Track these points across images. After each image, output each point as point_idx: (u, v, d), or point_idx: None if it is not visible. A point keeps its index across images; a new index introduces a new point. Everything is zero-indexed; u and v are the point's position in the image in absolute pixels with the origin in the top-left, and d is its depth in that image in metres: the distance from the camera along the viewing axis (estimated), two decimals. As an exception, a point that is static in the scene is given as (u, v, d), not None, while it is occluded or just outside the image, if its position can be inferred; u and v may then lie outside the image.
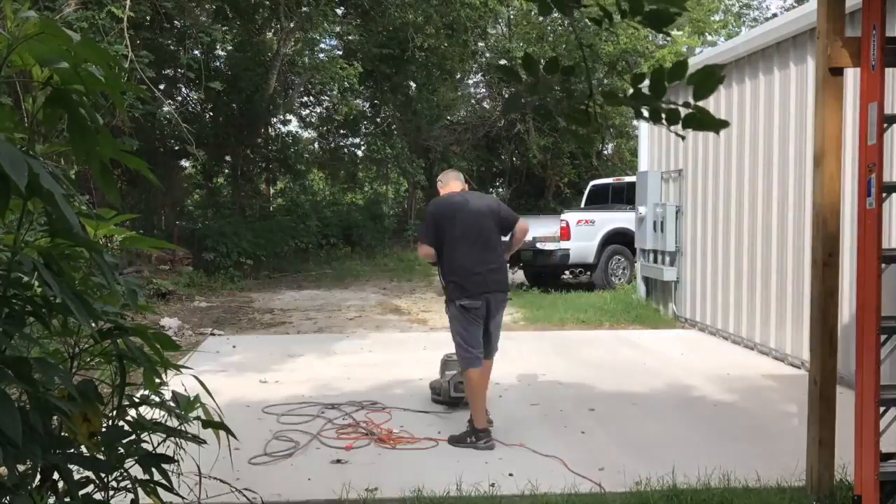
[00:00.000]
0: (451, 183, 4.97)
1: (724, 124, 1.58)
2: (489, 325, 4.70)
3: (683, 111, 1.55)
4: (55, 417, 1.81)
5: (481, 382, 4.62)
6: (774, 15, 26.36)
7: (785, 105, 6.75)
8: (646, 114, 1.58)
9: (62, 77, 1.64)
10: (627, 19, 1.51)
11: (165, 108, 12.62)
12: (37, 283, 1.75)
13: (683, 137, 1.65)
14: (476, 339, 4.61)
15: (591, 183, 15.28)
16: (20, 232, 1.74)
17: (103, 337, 1.90)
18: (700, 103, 1.57)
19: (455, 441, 4.52)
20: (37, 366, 1.66)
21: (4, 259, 1.74)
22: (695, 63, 7.48)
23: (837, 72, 3.58)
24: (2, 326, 1.61)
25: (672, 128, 1.57)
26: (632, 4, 1.49)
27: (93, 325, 1.76)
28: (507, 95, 22.66)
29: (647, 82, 1.59)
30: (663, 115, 1.56)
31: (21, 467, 1.68)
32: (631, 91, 1.58)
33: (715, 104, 8.04)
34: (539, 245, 12.12)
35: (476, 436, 4.48)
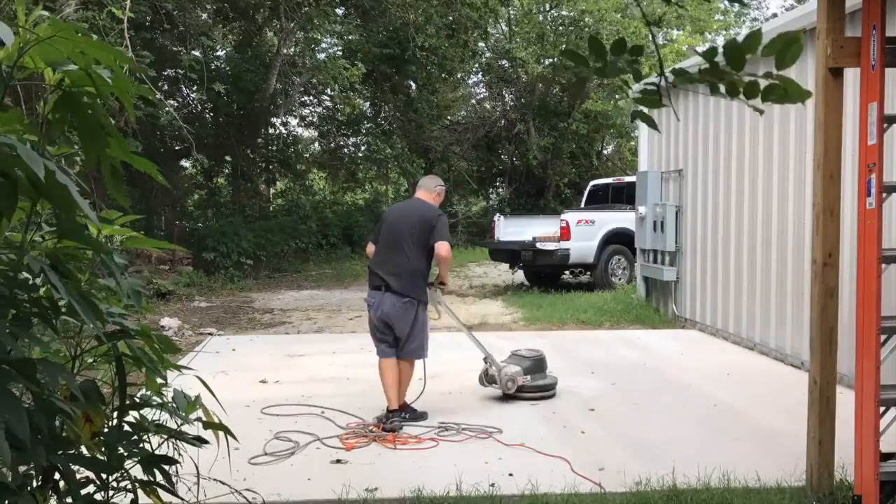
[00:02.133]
0: (418, 190, 5.35)
1: (808, 94, 1.50)
2: (392, 325, 4.97)
3: (763, 83, 1.48)
4: (57, 418, 1.81)
5: (382, 371, 5.04)
6: (774, 15, 26.37)
7: (784, 105, 6.74)
8: (722, 89, 1.52)
9: (72, 79, 1.64)
10: None
11: (166, 109, 12.61)
12: (41, 284, 1.75)
13: (762, 112, 1.59)
14: (371, 330, 5.11)
15: (591, 183, 15.29)
16: (27, 233, 1.74)
17: (108, 339, 1.91)
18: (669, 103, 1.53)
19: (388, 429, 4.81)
20: (40, 366, 1.66)
21: (6, 260, 1.74)
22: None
23: (837, 72, 3.59)
24: (8, 328, 1.62)
25: (751, 102, 1.52)
26: None
27: (101, 326, 1.76)
28: (514, 94, 22.55)
29: (720, 57, 1.54)
30: (741, 90, 1.50)
31: (22, 468, 1.68)
32: (702, 66, 1.52)
33: (715, 104, 8.05)
34: (539, 245, 12.13)
35: (387, 417, 4.92)
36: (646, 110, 1.68)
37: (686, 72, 1.54)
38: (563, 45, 21.82)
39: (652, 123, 1.64)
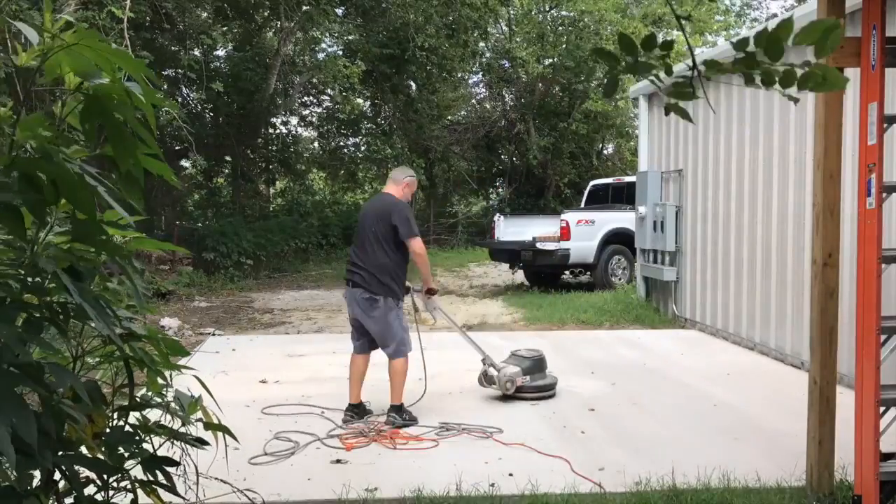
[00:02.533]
0: (388, 183, 5.32)
1: (846, 81, 1.48)
2: (360, 320, 5.01)
3: (799, 72, 1.47)
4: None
5: (352, 367, 5.13)
6: (774, 15, 26.35)
7: (785, 105, 6.75)
8: (757, 80, 1.51)
9: (101, 89, 1.64)
10: None
11: (165, 109, 12.60)
12: (52, 287, 1.74)
13: (797, 101, 1.56)
14: (351, 325, 5.15)
15: (591, 183, 15.29)
16: (40, 236, 1.74)
17: (122, 342, 1.91)
18: (684, 104, 1.52)
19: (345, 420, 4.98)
20: (48, 369, 1.66)
21: (20, 263, 1.74)
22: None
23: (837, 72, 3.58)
24: (19, 332, 1.61)
25: (786, 91, 1.50)
26: None
27: (117, 330, 1.76)
28: (514, 94, 22.49)
29: (752, 46, 1.52)
30: (777, 79, 1.47)
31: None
32: (737, 56, 1.51)
33: (714, 104, 8.05)
34: (539, 245, 12.13)
35: (349, 409, 5.05)
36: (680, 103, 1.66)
37: (719, 63, 1.52)
38: (564, 45, 21.84)
39: (686, 116, 1.62)
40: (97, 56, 1.62)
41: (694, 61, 1.51)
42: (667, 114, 1.65)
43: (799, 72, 1.46)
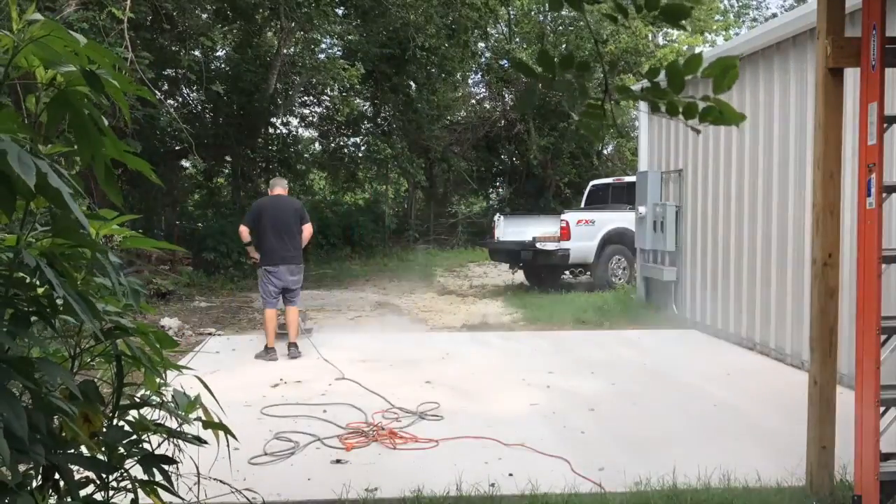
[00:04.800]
0: (276, 188, 7.48)
1: (742, 118, 1.57)
2: (287, 285, 7.20)
3: (702, 105, 1.53)
4: (55, 417, 1.81)
5: (273, 321, 7.24)
6: (774, 15, 26.37)
7: (785, 105, 6.75)
8: (663, 108, 1.56)
9: (67, 79, 1.65)
10: (643, 15, 1.50)
11: (166, 110, 12.61)
12: (38, 283, 1.75)
13: (699, 132, 1.63)
14: (273, 291, 7.20)
15: (591, 183, 15.28)
16: (23, 232, 1.74)
17: (105, 337, 1.91)
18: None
19: (256, 356, 7.06)
20: (39, 365, 1.66)
21: (5, 259, 1.74)
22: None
23: (837, 72, 3.59)
24: (6, 327, 1.62)
25: (690, 122, 1.56)
26: (647, 0, 1.48)
27: (98, 324, 1.76)
28: (514, 94, 22.60)
29: (662, 76, 1.58)
30: (681, 110, 1.55)
31: (22, 467, 1.68)
32: (644, 85, 1.57)
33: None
34: (539, 245, 12.13)
35: (266, 351, 7.06)
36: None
37: (630, 89, 1.61)
38: (564, 46, 21.82)
39: (596, 135, 1.71)
40: (65, 49, 1.62)
41: (606, 87, 1.58)
42: (577, 130, 1.74)
43: (701, 105, 1.54)
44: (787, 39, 6.70)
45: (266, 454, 4.33)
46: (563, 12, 23.01)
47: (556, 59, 1.57)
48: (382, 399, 5.52)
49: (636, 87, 1.70)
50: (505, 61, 22.79)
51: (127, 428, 2.05)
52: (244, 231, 7.26)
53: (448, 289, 13.70)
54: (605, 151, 25.58)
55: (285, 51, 15.65)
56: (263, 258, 7.18)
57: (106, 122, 1.74)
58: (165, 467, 2.02)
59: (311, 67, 15.50)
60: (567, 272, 13.47)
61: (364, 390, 5.80)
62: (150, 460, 2.00)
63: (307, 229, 7.26)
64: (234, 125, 17.41)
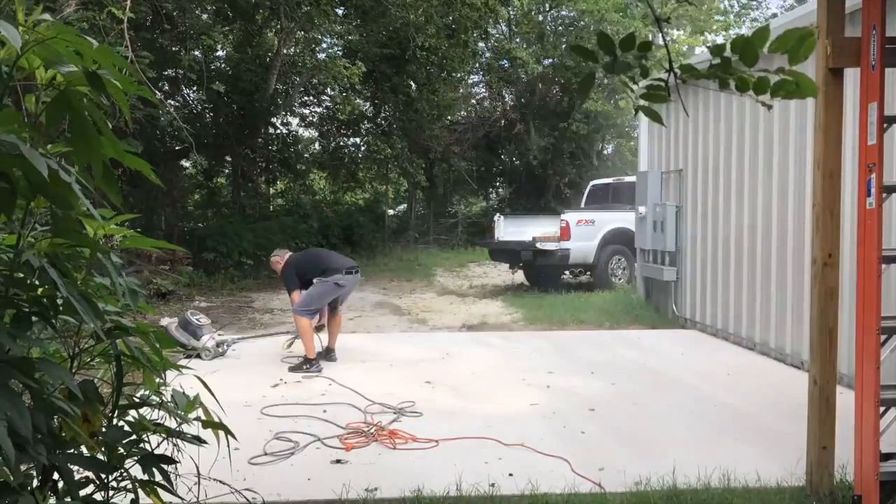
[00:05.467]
0: (285, 256, 7.54)
1: (817, 89, 1.53)
2: (347, 294, 7.44)
3: (774, 79, 1.49)
4: (55, 417, 1.81)
5: (332, 324, 7.32)
6: (774, 15, 26.38)
7: (785, 105, 6.75)
8: (732, 85, 1.52)
9: (67, 79, 1.65)
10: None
11: (167, 110, 12.61)
12: (38, 284, 1.75)
13: (770, 107, 1.57)
14: (324, 301, 7.15)
15: (591, 183, 15.28)
16: (24, 232, 1.74)
17: (105, 337, 1.91)
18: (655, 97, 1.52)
19: (291, 370, 6.66)
20: (39, 365, 1.66)
21: (5, 259, 1.74)
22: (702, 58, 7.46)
23: (837, 72, 3.59)
24: (7, 327, 1.62)
25: (760, 98, 1.51)
26: None
27: (99, 324, 1.76)
28: (515, 94, 22.49)
29: (728, 52, 1.52)
30: (751, 85, 1.49)
31: (23, 467, 1.68)
32: (713, 62, 1.51)
33: (714, 103, 8.05)
34: (539, 245, 12.13)
35: (311, 364, 6.66)
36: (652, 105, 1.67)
37: (695, 68, 1.53)
38: (564, 45, 21.83)
39: (657, 118, 1.64)
40: (68, 50, 1.62)
41: (671, 64, 1.53)
42: (636, 114, 1.68)
43: (773, 79, 1.48)
44: (787, 39, 6.69)
45: (266, 454, 4.33)
46: (564, 12, 23.03)
47: (616, 40, 1.53)
48: (381, 399, 5.52)
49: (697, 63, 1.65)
50: (505, 61, 22.80)
51: (127, 428, 2.05)
52: (295, 295, 7.02)
53: (448, 289, 13.70)
54: (605, 151, 25.58)
55: (285, 51, 15.65)
56: (330, 272, 6.95)
57: (107, 123, 1.74)
58: (165, 467, 2.02)
59: (311, 67, 15.50)
60: (567, 272, 13.47)
61: (364, 390, 5.79)
62: (150, 460, 2.00)
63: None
64: (234, 125, 17.41)
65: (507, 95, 24.10)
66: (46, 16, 1.65)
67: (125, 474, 2.01)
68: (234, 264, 14.69)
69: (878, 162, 3.31)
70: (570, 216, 12.43)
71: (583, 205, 14.73)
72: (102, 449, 1.94)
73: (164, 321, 8.85)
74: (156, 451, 2.08)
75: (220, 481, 2.82)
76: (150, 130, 13.60)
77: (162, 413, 2.21)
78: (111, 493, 2.03)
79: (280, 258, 7.48)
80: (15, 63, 1.60)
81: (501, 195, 25.71)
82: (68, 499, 1.81)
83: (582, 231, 12.21)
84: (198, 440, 2.13)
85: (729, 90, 1.51)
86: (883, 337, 3.46)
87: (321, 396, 5.68)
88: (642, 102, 1.61)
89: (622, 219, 12.29)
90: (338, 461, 4.23)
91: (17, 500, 1.55)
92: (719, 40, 23.89)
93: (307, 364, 6.63)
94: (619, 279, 12.37)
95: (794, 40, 1.43)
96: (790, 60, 1.47)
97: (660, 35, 23.01)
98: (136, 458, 2.00)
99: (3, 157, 1.44)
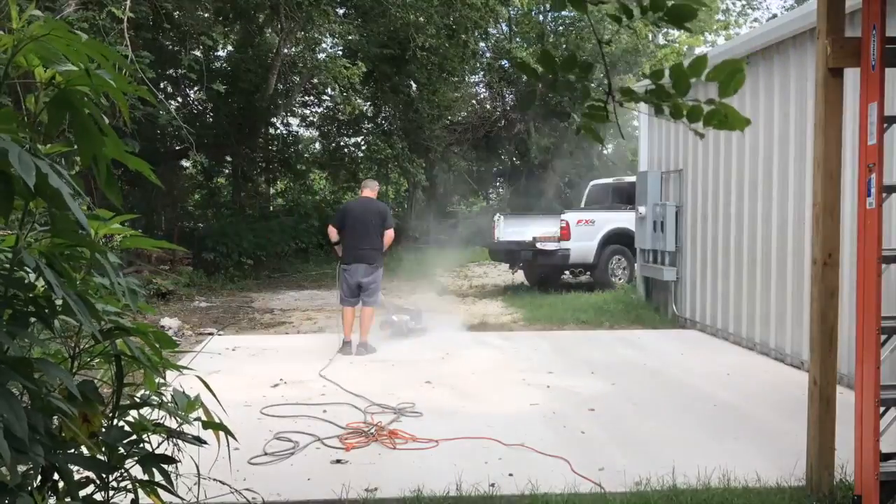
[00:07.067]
0: (365, 190, 7.82)
1: (747, 122, 1.52)
2: (360, 283, 7.45)
3: (706, 108, 1.50)
4: (54, 417, 1.81)
5: (347, 315, 7.56)
6: (775, 15, 26.37)
7: (785, 105, 6.75)
8: (666, 111, 1.54)
9: (68, 78, 1.64)
10: (648, 16, 1.47)
11: (167, 111, 12.61)
12: (39, 284, 1.75)
13: (702, 136, 1.60)
14: (347, 290, 7.54)
15: (591, 183, 15.28)
16: (22, 232, 1.74)
17: (104, 337, 1.91)
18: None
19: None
20: (38, 365, 1.66)
21: (4, 259, 1.74)
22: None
23: (837, 72, 3.59)
24: (6, 327, 1.61)
25: (693, 125, 1.52)
26: (653, 1, 1.45)
27: (95, 325, 1.76)
28: (515, 94, 22.61)
29: (666, 78, 1.55)
30: (685, 113, 1.52)
31: (22, 468, 1.68)
32: (649, 87, 1.54)
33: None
34: (539, 245, 12.13)
35: (343, 345, 7.32)
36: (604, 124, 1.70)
37: (633, 91, 1.56)
38: (564, 46, 21.81)
39: (598, 138, 1.65)
40: (65, 47, 1.62)
41: (609, 88, 1.55)
42: (577, 133, 1.70)
43: (706, 108, 1.50)
44: (787, 39, 6.70)
45: (266, 454, 4.33)
46: (564, 12, 23.02)
47: (558, 60, 1.55)
48: (381, 398, 5.51)
49: (639, 87, 1.68)
50: (505, 61, 22.80)
51: (126, 428, 2.05)
52: (332, 231, 7.61)
53: (448, 289, 13.69)
54: (605, 151, 25.58)
55: (286, 51, 15.65)
56: (342, 256, 7.50)
57: (107, 122, 1.74)
58: (165, 467, 2.02)
59: (311, 67, 15.50)
60: (567, 272, 13.46)
61: (364, 390, 5.78)
62: (150, 460, 2.00)
63: (388, 234, 7.51)
64: (234, 125, 17.42)
65: (507, 95, 24.09)
66: (38, 13, 1.65)
67: (125, 474, 2.01)
68: (234, 264, 14.70)
69: (878, 162, 3.31)
70: (570, 216, 12.42)
71: (583, 205, 14.72)
72: (102, 449, 1.94)
73: (164, 321, 8.82)
74: (156, 452, 2.08)
75: (220, 481, 2.82)
76: (149, 130, 13.59)
77: (162, 413, 2.21)
78: (111, 493, 2.03)
79: (369, 189, 7.81)
80: (10, 60, 1.60)
81: (501, 195, 25.69)
82: (68, 499, 1.81)
83: (582, 231, 12.20)
84: (198, 440, 2.13)
85: (664, 116, 1.53)
86: (883, 337, 3.46)
87: (321, 396, 5.68)
88: (583, 121, 1.64)
89: (622, 219, 12.29)
90: (338, 461, 4.23)
91: (15, 501, 1.55)
92: (720, 41, 23.89)
93: (343, 345, 7.33)
94: (619, 279, 12.36)
95: (725, 72, 1.45)
96: (720, 93, 1.49)
97: (660, 37, 23.00)
98: (136, 458, 2.00)
99: (1, 157, 1.44)
